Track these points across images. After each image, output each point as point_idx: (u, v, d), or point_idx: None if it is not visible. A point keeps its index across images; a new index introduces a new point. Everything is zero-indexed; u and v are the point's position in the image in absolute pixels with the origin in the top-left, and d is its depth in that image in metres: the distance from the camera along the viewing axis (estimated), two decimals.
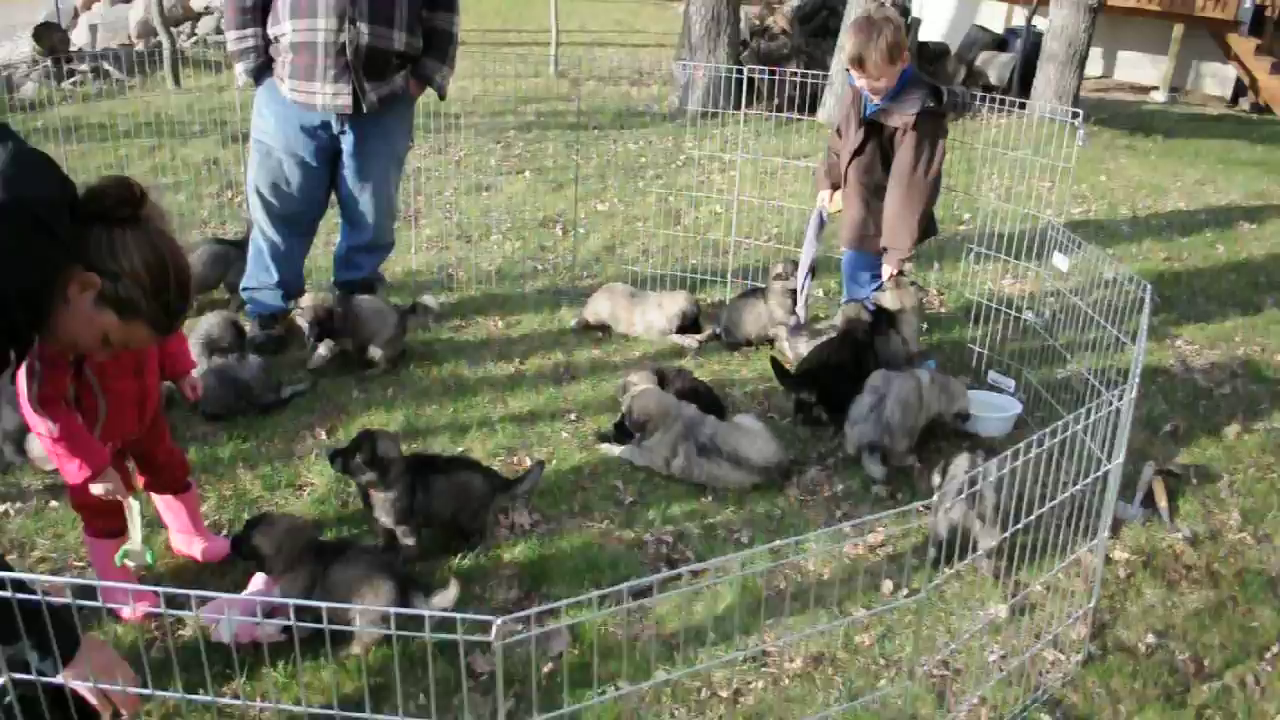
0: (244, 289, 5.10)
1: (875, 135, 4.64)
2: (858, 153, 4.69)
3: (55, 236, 2.17)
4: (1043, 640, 3.10)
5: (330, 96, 4.54)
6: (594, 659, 3.02)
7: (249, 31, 4.59)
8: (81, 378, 2.95)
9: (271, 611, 3.03)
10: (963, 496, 3.32)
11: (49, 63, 10.06)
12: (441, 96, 4.96)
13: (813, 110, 9.97)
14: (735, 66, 9.31)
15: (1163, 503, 3.90)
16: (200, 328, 4.59)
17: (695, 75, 9.68)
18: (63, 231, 2.21)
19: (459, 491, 3.52)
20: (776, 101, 9.93)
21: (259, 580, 3.17)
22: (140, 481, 3.34)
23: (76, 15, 14.02)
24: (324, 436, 4.27)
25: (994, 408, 4.55)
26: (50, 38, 10.70)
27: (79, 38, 12.82)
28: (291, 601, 2.13)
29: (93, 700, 2.27)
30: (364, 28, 4.44)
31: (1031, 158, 5.43)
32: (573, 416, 4.49)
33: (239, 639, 2.94)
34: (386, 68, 4.59)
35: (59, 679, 2.19)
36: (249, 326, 5.02)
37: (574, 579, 3.43)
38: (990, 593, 3.42)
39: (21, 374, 2.78)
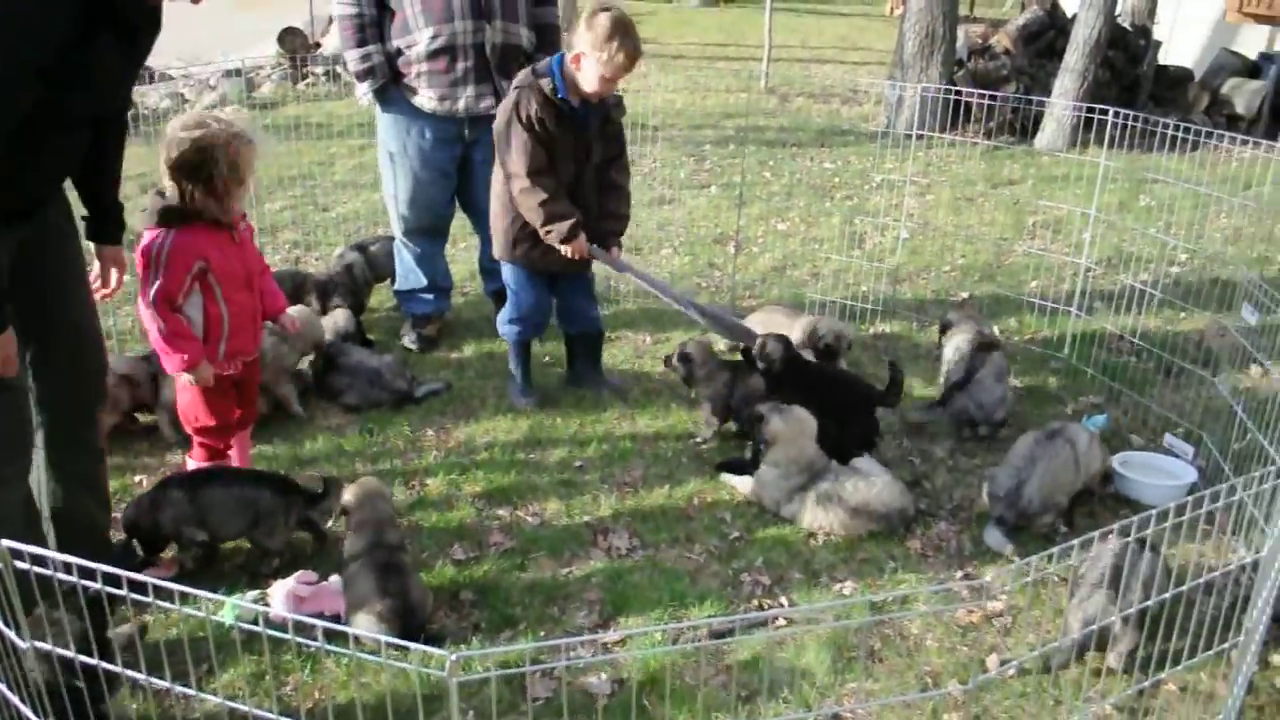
0: (396, 291, 5.24)
1: None
2: None
3: None
4: None
5: (473, 100, 4.60)
6: (663, 701, 2.88)
7: (371, 49, 4.57)
8: (206, 283, 3.35)
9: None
10: (1104, 587, 2.94)
11: (288, 64, 10.82)
12: None
13: (1031, 136, 9.38)
14: (948, 87, 8.91)
15: None
16: (330, 320, 4.83)
17: (904, 94, 9.30)
18: None
19: (243, 507, 3.38)
20: (990, 125, 9.45)
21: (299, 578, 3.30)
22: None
23: (331, 21, 15.07)
24: (449, 437, 4.32)
25: (1165, 474, 4.07)
26: (292, 41, 11.53)
27: (330, 42, 13.76)
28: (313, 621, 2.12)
29: None
30: (499, 24, 4.51)
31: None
32: (698, 441, 4.36)
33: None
34: (516, 66, 4.56)
35: None
36: (404, 326, 5.18)
37: (658, 610, 3.30)
38: (1115, 684, 3.02)
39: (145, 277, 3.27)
